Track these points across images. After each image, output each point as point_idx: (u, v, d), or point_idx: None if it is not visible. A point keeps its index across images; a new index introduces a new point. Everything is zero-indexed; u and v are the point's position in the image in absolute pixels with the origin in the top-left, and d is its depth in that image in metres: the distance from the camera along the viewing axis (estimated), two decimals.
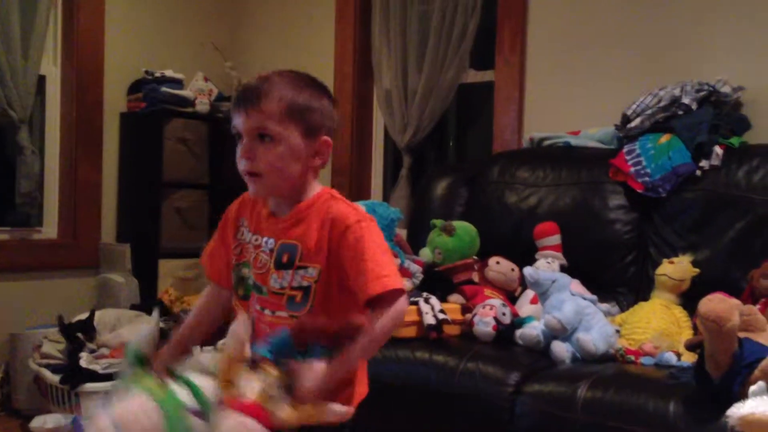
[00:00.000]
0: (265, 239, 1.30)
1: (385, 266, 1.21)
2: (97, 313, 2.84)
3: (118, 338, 2.72)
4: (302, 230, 1.27)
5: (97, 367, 2.59)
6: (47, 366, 2.68)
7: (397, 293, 1.21)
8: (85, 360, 2.62)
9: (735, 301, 1.66)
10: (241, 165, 1.27)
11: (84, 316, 2.82)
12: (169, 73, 3.46)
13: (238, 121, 1.26)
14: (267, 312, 1.29)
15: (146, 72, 3.43)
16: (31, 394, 2.88)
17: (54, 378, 2.61)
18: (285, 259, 1.27)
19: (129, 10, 3.55)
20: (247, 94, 1.26)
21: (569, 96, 3.01)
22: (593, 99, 2.94)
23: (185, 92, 3.46)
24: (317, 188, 1.32)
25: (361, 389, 1.34)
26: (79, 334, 2.71)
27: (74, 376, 2.56)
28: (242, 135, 1.27)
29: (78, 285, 3.35)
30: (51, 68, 3.38)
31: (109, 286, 3.26)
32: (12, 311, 3.09)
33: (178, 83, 3.46)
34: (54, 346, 2.73)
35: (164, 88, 3.37)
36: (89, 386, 2.54)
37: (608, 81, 2.90)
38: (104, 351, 2.69)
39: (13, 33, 3.11)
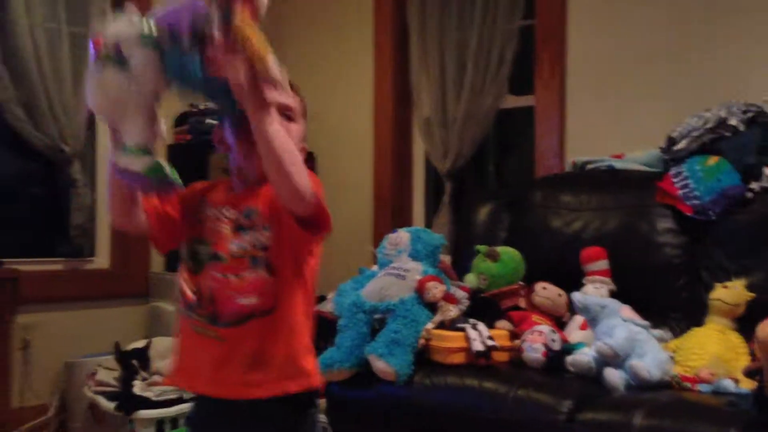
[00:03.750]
0: (225, 208, 1.38)
1: None
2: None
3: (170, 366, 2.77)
4: (259, 198, 1.34)
5: (150, 394, 2.64)
6: (102, 393, 2.74)
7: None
8: (138, 387, 2.67)
9: None
10: None
11: (140, 344, 2.88)
12: (212, 105, 3.52)
13: None
14: (231, 276, 1.33)
15: (191, 105, 3.51)
16: (86, 422, 2.94)
17: (109, 405, 2.66)
18: (245, 223, 1.34)
19: None
20: None
21: (612, 119, 3.01)
22: (636, 121, 2.93)
23: None
24: None
25: (316, 376, 1.37)
26: (134, 362, 2.76)
27: (129, 402, 2.61)
28: None
29: (129, 314, 3.42)
30: None
31: (159, 315, 3.32)
32: (66, 340, 3.16)
33: None
34: (109, 374, 2.79)
35: (209, 120, 3.44)
36: (143, 413, 2.59)
37: (650, 103, 2.89)
38: (157, 378, 2.73)
39: (64, 72, 3.22)
